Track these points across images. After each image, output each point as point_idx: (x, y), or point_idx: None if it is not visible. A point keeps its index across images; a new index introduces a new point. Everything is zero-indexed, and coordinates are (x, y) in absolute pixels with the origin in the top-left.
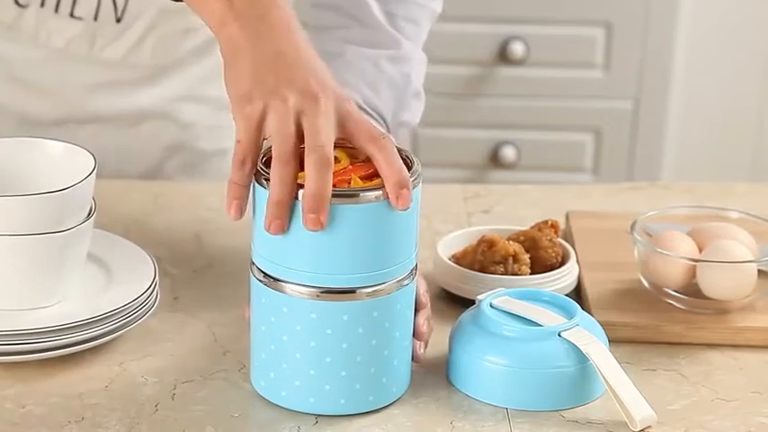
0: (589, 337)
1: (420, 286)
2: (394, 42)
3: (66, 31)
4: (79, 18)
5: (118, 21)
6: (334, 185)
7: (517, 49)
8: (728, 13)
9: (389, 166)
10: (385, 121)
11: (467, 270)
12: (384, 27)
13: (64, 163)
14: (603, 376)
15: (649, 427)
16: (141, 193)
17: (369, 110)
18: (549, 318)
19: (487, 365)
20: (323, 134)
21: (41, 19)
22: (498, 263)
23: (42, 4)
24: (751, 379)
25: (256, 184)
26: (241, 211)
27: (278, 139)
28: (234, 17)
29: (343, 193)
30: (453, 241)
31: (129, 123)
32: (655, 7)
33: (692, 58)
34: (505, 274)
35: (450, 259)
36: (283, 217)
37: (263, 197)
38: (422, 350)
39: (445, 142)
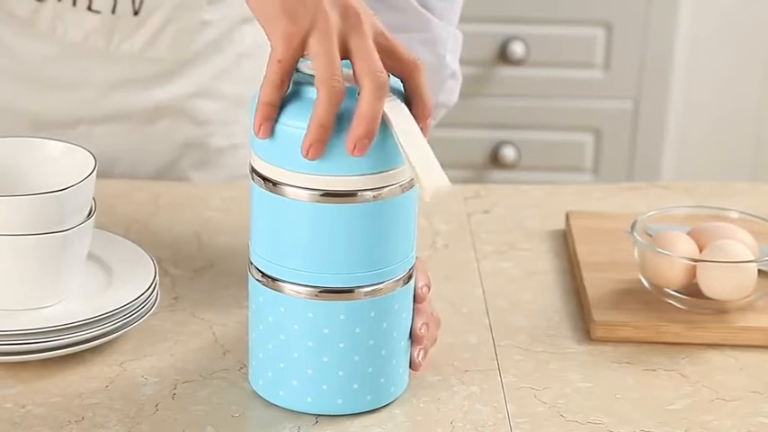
0: (391, 97)
1: (419, 280)
2: (424, 23)
3: (84, 24)
4: (97, 11)
5: (135, 13)
6: None
7: (517, 49)
8: (728, 13)
9: (421, 94)
10: None
11: None
12: (413, 8)
13: (64, 163)
14: (399, 141)
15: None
16: (142, 193)
17: None
18: None
19: None
20: (377, 59)
21: (59, 12)
22: None
23: None
24: (751, 379)
25: (253, 183)
26: (271, 132)
27: (324, 61)
28: None
29: (341, 193)
30: None
31: (143, 121)
32: (655, 7)
33: (692, 58)
34: None
35: None
36: (324, 141)
37: (259, 195)
38: (420, 357)
39: (445, 142)
